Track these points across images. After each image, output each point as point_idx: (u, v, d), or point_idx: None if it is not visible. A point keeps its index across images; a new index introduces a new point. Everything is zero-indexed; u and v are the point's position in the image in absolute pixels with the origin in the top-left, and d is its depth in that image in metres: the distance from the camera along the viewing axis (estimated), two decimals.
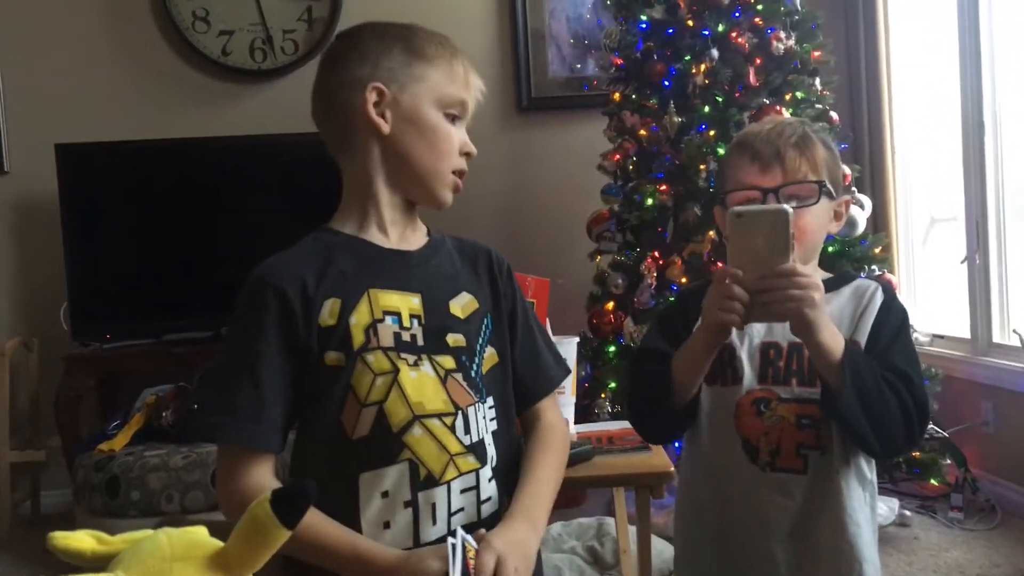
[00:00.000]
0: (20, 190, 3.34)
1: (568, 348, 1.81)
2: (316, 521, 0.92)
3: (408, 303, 0.98)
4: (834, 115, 2.93)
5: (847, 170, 2.85)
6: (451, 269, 1.06)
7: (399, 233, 1.04)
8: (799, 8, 2.91)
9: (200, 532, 0.76)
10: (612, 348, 2.83)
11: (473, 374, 1.01)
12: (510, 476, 1.03)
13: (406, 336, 0.97)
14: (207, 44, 3.39)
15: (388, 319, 0.96)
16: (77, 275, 3.12)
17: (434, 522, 0.95)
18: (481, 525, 0.97)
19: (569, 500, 2.89)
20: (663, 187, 2.82)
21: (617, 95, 3.01)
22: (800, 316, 1.06)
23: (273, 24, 3.42)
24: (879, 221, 3.21)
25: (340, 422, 0.95)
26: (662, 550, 2.37)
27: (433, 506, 0.95)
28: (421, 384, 0.96)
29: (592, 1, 3.51)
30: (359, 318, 0.95)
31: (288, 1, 3.42)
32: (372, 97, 0.99)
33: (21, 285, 3.37)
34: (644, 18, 2.91)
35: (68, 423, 2.99)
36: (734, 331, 1.16)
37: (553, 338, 1.79)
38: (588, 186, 3.14)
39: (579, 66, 3.53)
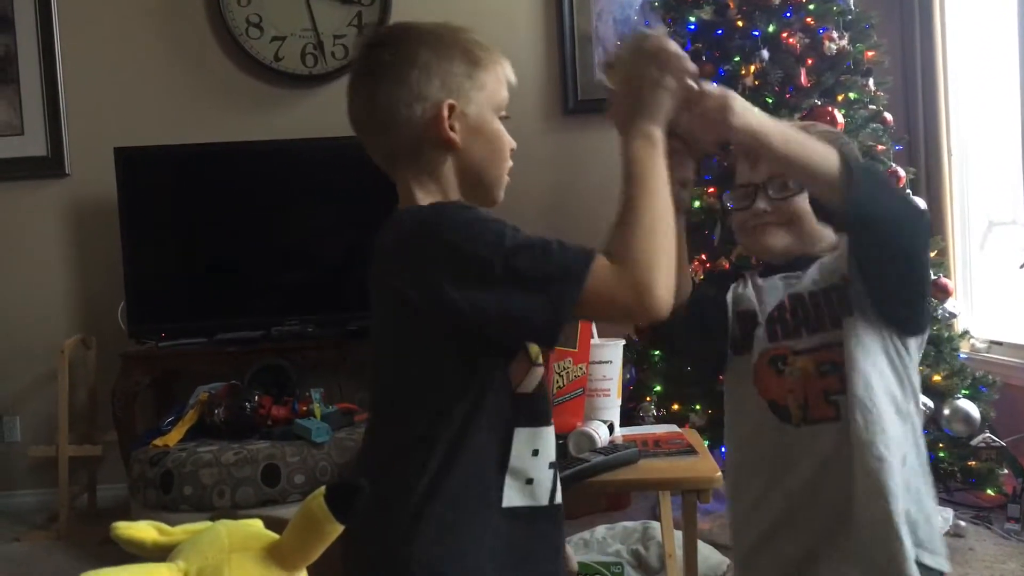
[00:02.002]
0: (80, 192, 3.44)
1: (614, 351, 1.81)
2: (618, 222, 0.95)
3: None
4: (888, 116, 2.87)
5: (901, 172, 2.79)
6: None
7: None
8: (852, 7, 2.85)
9: (256, 525, 0.78)
10: (657, 352, 2.81)
11: None
12: None
13: None
14: (260, 50, 3.46)
15: None
16: (134, 275, 3.20)
17: (558, 488, 1.01)
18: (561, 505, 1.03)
19: (614, 503, 2.88)
20: (711, 189, 2.80)
21: None
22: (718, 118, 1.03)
23: (324, 29, 3.47)
24: (935, 224, 3.13)
25: (507, 373, 0.96)
26: (708, 556, 2.35)
27: (556, 474, 1.01)
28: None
29: (640, 2, 3.49)
30: None
31: (339, 7, 3.47)
32: (447, 113, 0.99)
33: (81, 285, 3.48)
34: (693, 19, 2.89)
35: (124, 419, 3.06)
36: (755, 303, 1.25)
37: (599, 340, 1.80)
38: None
39: None
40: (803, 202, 1.23)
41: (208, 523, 0.80)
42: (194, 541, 0.78)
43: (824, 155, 1.09)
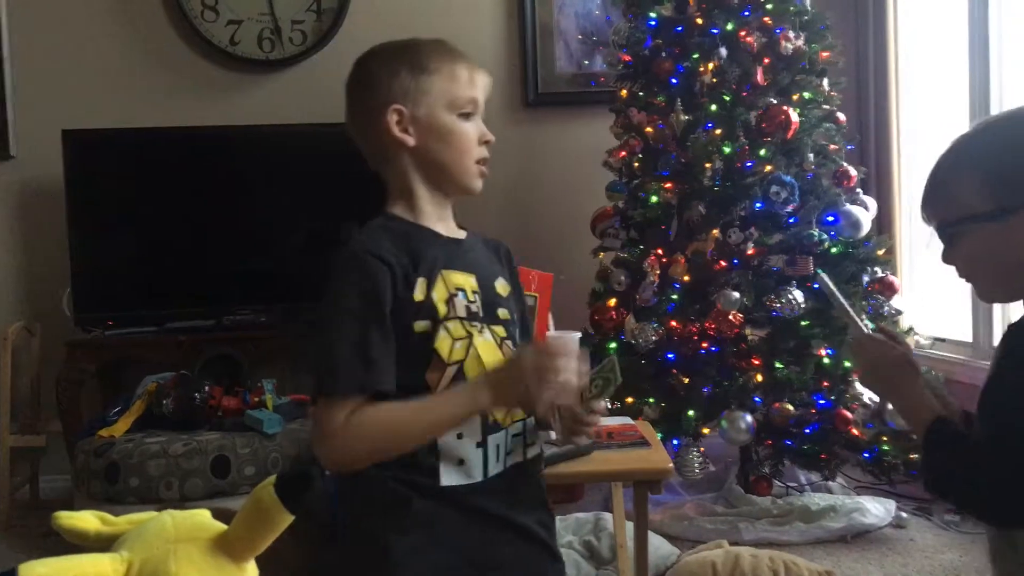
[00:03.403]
0: (26, 175, 3.33)
1: (570, 344, 1.82)
2: (391, 404, 1.06)
3: (469, 281, 1.16)
4: (841, 116, 2.93)
5: (853, 171, 2.85)
6: (486, 257, 1.24)
7: (444, 225, 1.20)
8: (808, 8, 2.91)
9: (204, 515, 0.77)
10: (613, 345, 2.84)
11: (517, 341, 1.20)
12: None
13: (472, 308, 1.15)
14: (216, 33, 3.39)
15: (459, 294, 1.14)
16: (81, 261, 3.12)
17: (497, 459, 1.13)
18: (526, 465, 1.17)
19: (567, 495, 2.90)
20: (668, 185, 2.83)
21: (624, 92, 3.01)
22: None
23: (282, 14, 3.41)
24: (883, 223, 3.21)
25: (425, 379, 1.10)
26: (659, 546, 2.38)
27: (497, 447, 1.13)
28: (488, 347, 1.14)
29: None
30: (439, 293, 1.12)
31: None
32: (394, 118, 1.14)
33: (25, 270, 3.37)
34: (653, 15, 2.91)
35: (69, 409, 2.99)
36: None
37: (555, 333, 1.80)
38: (593, 183, 3.13)
39: (587, 62, 3.52)
40: (965, 251, 1.11)
41: (154, 513, 0.78)
42: (139, 531, 0.76)
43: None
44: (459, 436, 1.10)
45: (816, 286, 2.72)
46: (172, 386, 2.75)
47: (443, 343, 1.10)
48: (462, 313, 1.12)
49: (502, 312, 1.18)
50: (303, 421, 2.77)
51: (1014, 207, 1.06)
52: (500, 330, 1.17)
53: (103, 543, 0.79)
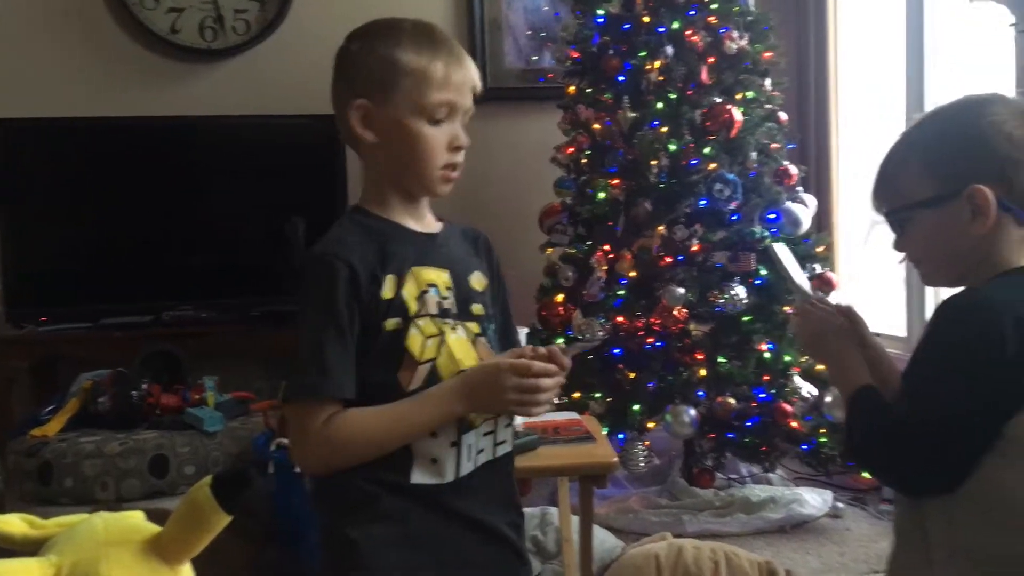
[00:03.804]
0: None
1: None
2: (367, 412, 1.06)
3: (442, 277, 1.13)
4: (783, 115, 2.99)
5: (794, 170, 2.91)
6: (463, 250, 1.21)
7: (416, 220, 1.17)
8: (752, 9, 2.96)
9: (136, 517, 0.75)
10: (561, 340, 2.85)
11: (491, 337, 1.18)
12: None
13: (445, 304, 1.13)
14: (155, 21, 3.30)
15: (431, 290, 1.12)
16: (12, 254, 3.01)
17: (468, 459, 1.11)
18: (496, 463, 1.15)
19: None
20: (615, 181, 2.85)
21: (572, 88, 3.02)
22: None
23: (224, 3, 3.33)
24: (823, 220, 3.29)
25: (396, 378, 1.08)
26: (604, 539, 2.40)
27: (469, 447, 1.11)
28: (460, 344, 1.12)
29: None
30: (409, 291, 1.10)
31: None
32: (358, 113, 1.10)
33: None
34: (601, 12, 2.93)
35: None
36: None
37: None
38: (541, 178, 3.14)
39: (535, 58, 3.53)
40: (913, 239, 1.15)
41: (84, 515, 0.76)
42: (69, 535, 0.74)
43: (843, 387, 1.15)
44: (433, 435, 1.09)
45: (760, 284, 2.77)
46: (108, 384, 2.67)
47: (414, 341, 1.08)
48: (433, 310, 1.11)
49: (476, 308, 1.16)
50: (244, 419, 2.72)
51: (952, 194, 1.09)
52: (474, 326, 1.15)
53: (31, 547, 0.76)
